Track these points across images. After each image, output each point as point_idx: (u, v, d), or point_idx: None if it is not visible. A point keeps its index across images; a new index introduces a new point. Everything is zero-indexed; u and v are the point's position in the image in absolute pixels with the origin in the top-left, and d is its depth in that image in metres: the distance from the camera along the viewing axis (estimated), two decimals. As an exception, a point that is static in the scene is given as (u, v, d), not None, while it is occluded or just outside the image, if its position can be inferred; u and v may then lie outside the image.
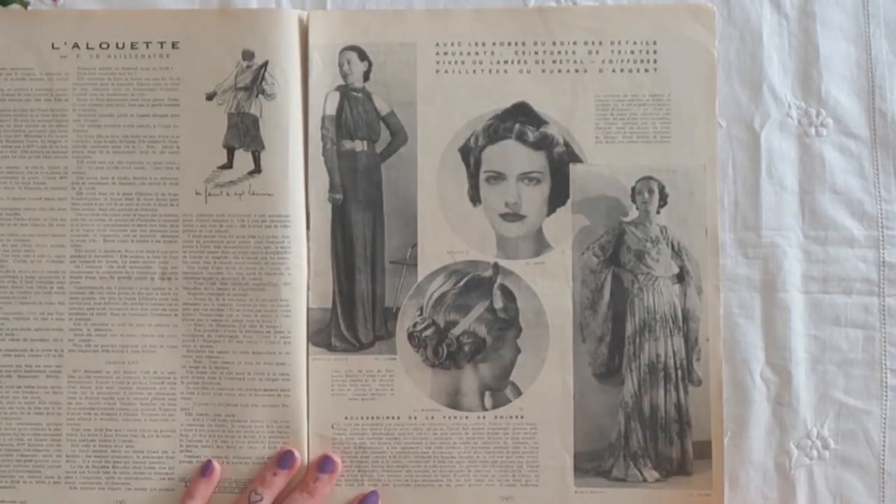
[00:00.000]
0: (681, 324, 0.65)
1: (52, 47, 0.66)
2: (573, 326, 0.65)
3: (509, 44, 0.66)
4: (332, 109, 0.66)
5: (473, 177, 0.66)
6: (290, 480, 0.64)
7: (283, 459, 0.63)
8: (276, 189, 0.65)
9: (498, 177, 0.66)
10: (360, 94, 0.66)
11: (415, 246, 0.66)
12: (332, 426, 0.65)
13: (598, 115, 0.66)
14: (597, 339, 0.66)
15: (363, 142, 0.66)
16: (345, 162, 0.66)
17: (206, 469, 0.64)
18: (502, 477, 0.65)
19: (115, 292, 0.65)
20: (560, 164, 0.66)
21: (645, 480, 0.65)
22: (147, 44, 0.66)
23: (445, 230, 0.66)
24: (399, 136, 0.66)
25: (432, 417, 0.65)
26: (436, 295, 0.66)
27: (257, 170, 0.65)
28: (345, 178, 0.66)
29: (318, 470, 0.63)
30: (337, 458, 0.64)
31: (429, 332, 0.66)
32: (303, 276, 0.65)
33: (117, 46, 0.66)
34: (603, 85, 0.66)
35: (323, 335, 0.65)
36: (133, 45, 0.66)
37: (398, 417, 0.65)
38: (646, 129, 0.66)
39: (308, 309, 0.65)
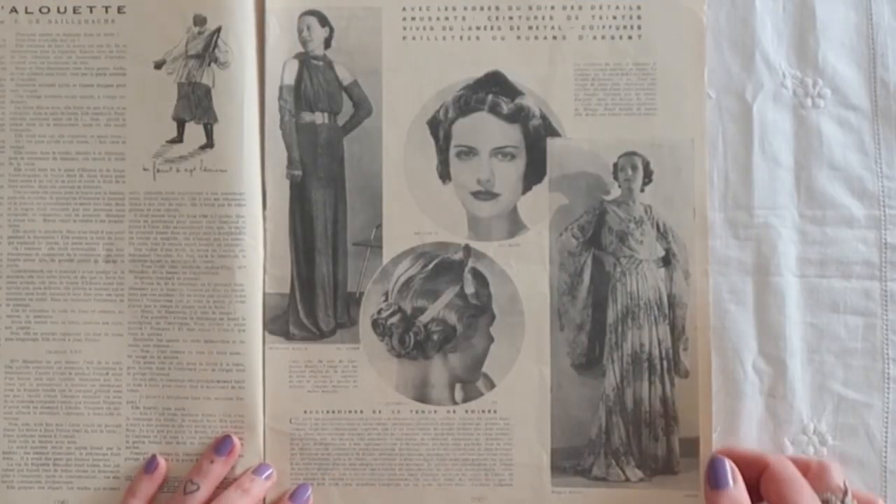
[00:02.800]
0: (666, 311, 0.64)
1: (-12, 12, 0.64)
2: (550, 313, 0.64)
3: (482, 8, 0.64)
4: (290, 79, 0.65)
5: (443, 152, 0.64)
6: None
7: (221, 446, 0.62)
8: (229, 165, 0.63)
9: (469, 152, 0.64)
10: (320, 63, 0.65)
11: (379, 226, 0.64)
12: (290, 420, 0.63)
13: (577, 86, 0.64)
14: (576, 328, 0.64)
15: (324, 114, 0.65)
16: (304, 135, 0.64)
17: (150, 465, 0.62)
18: (474, 476, 0.63)
19: (55, 276, 0.63)
20: (536, 138, 0.64)
21: (628, 480, 0.64)
22: (91, 8, 0.64)
23: (413, 209, 0.64)
24: (363, 108, 0.64)
25: (398, 411, 0.64)
26: (402, 279, 0.64)
27: (210, 144, 0.63)
28: (304, 152, 0.64)
29: (254, 473, 0.62)
30: (272, 469, 0.62)
31: (394, 319, 0.64)
32: (259, 258, 0.63)
33: (58, 11, 0.64)
34: (583, 53, 0.64)
35: (280, 322, 0.64)
36: (76, 10, 0.64)
37: (361, 411, 0.64)
38: (629, 101, 0.64)
39: (264, 294, 0.64)
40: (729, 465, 0.59)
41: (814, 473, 0.59)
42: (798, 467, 0.59)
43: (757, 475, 0.59)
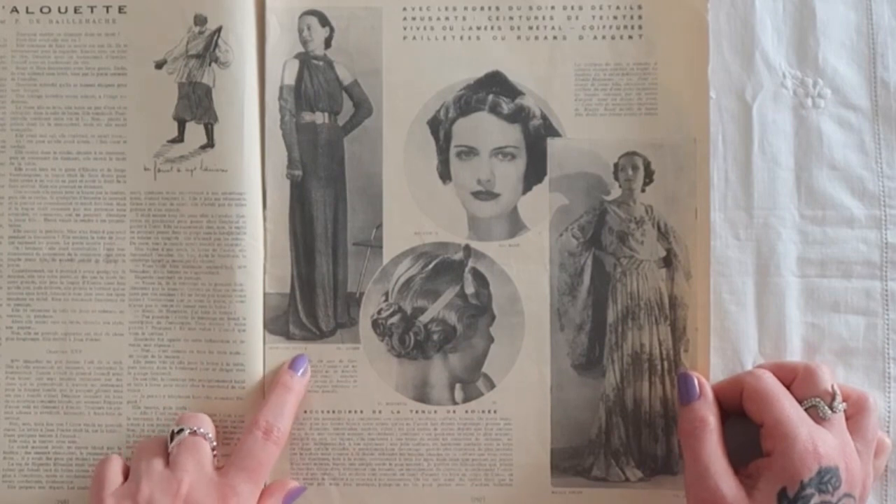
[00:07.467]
0: (667, 311, 0.63)
1: (-11, 12, 0.64)
2: (550, 314, 0.63)
3: (482, 8, 0.64)
4: (290, 79, 0.64)
5: (443, 152, 0.64)
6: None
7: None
8: (230, 164, 0.63)
9: (470, 152, 0.64)
10: (321, 63, 0.64)
11: (380, 226, 0.64)
12: (291, 420, 0.63)
13: (577, 86, 0.64)
14: (576, 328, 0.63)
15: (324, 114, 0.64)
16: (304, 135, 0.64)
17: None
18: (474, 476, 0.63)
19: (56, 276, 0.63)
20: (537, 138, 0.64)
21: (627, 480, 0.63)
22: (91, 8, 0.64)
23: (413, 209, 0.63)
24: (363, 108, 0.64)
25: (398, 411, 0.63)
26: (402, 279, 0.64)
27: (210, 144, 0.63)
28: (304, 152, 0.64)
29: (291, 369, 0.62)
30: (307, 360, 0.63)
31: (395, 319, 0.63)
32: (259, 258, 0.63)
33: (59, 11, 0.64)
34: (583, 53, 0.64)
35: (280, 322, 0.63)
36: (76, 10, 0.64)
37: (361, 411, 0.63)
38: (630, 101, 0.63)
39: (264, 294, 0.63)
40: (696, 378, 0.59)
41: (801, 379, 0.58)
42: (785, 374, 0.58)
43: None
